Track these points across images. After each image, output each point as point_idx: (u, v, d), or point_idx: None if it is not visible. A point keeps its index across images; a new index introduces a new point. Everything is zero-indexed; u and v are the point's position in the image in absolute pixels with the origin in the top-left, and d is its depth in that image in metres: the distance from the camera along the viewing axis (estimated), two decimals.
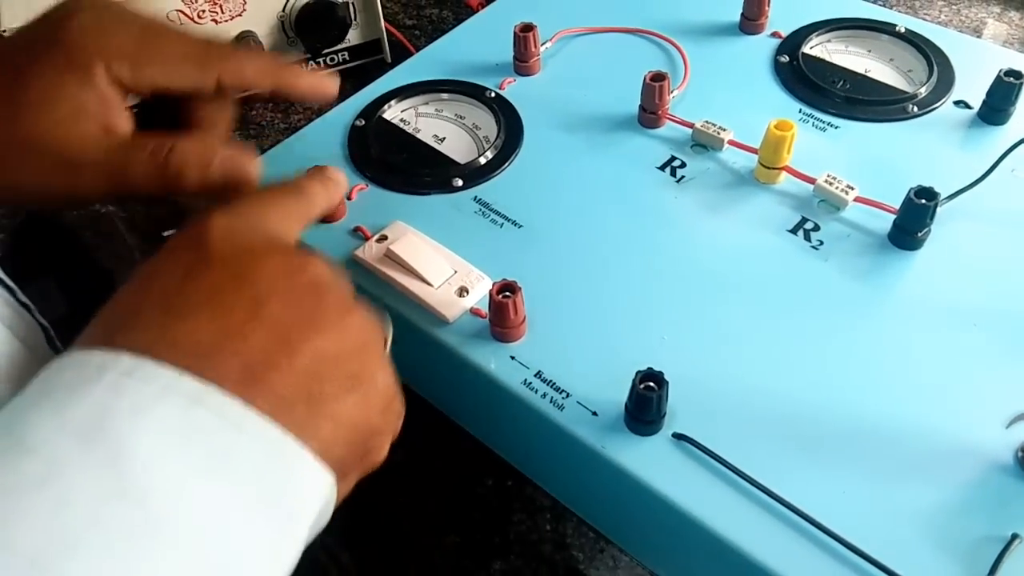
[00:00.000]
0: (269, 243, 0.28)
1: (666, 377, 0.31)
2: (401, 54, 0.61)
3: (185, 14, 0.52)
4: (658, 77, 0.44)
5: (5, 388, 0.28)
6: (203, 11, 0.53)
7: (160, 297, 0.26)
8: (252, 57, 0.37)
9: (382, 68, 0.61)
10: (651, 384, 0.31)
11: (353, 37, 0.59)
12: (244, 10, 0.54)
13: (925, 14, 0.63)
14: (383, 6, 0.63)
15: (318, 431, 0.25)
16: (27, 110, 0.33)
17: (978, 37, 0.62)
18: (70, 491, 0.21)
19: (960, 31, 0.62)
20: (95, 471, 0.21)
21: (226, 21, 0.54)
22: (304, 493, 0.25)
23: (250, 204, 0.30)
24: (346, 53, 0.60)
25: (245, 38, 0.55)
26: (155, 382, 0.23)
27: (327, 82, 0.39)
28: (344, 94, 0.59)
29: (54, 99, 0.33)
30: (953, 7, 0.64)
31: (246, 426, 0.24)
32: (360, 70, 0.61)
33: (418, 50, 0.62)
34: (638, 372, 0.31)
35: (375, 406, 0.27)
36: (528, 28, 0.48)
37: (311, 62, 0.59)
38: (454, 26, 0.66)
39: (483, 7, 0.64)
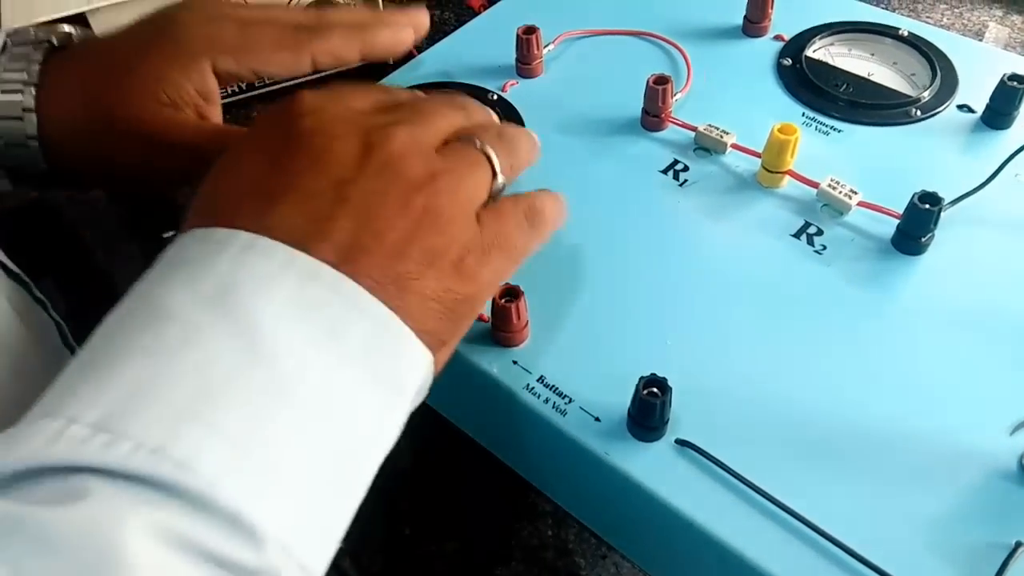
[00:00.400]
0: (350, 121, 0.29)
1: (669, 383, 0.31)
2: (402, 56, 0.61)
3: None
4: (661, 80, 0.44)
5: (17, 385, 0.28)
6: None
7: (251, 183, 0.28)
8: (336, 32, 0.39)
9: (384, 70, 0.61)
10: (654, 390, 0.31)
11: None
12: None
13: (928, 17, 0.63)
14: (384, 8, 0.63)
15: (409, 308, 0.27)
16: (135, 97, 0.36)
17: (980, 40, 0.61)
18: (209, 353, 0.23)
19: (963, 34, 0.61)
20: (228, 337, 0.24)
21: None
22: (407, 369, 0.27)
23: (334, 87, 0.31)
24: None
25: None
26: (274, 257, 0.25)
27: (405, 33, 0.41)
28: None
29: (161, 88, 0.36)
30: (955, 10, 0.64)
31: (358, 302, 0.25)
32: (361, 72, 0.61)
33: (419, 52, 0.62)
34: (641, 378, 0.31)
35: (456, 276, 0.28)
36: (531, 31, 0.48)
37: None
38: (455, 28, 0.66)
39: (485, 8, 0.64)
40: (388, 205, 0.27)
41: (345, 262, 0.26)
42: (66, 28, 0.41)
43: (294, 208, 0.26)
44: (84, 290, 0.51)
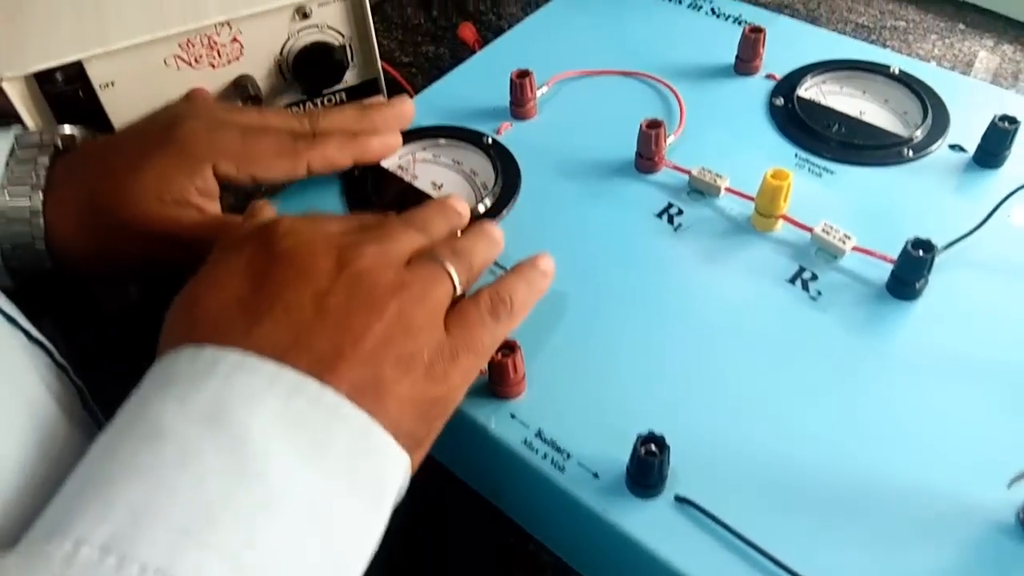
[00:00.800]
0: (326, 241, 0.31)
1: (667, 441, 0.31)
2: (398, 93, 0.62)
3: (182, 59, 0.52)
4: (654, 124, 0.44)
5: (46, 461, 0.28)
6: (200, 56, 0.53)
7: (235, 300, 0.29)
8: (331, 142, 0.44)
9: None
10: (652, 448, 0.31)
11: (350, 77, 0.59)
12: (241, 55, 0.54)
13: (919, 47, 0.64)
14: (379, 44, 0.63)
15: (387, 412, 0.28)
16: (140, 197, 0.39)
17: (971, 69, 0.62)
18: (204, 471, 0.24)
19: (953, 65, 0.62)
20: (221, 454, 0.25)
21: (224, 65, 0.54)
22: (389, 476, 0.28)
23: (308, 214, 0.34)
24: (343, 94, 0.60)
25: (243, 83, 0.55)
26: (261, 374, 0.27)
27: (394, 139, 0.46)
28: None
29: (165, 189, 0.40)
30: (946, 40, 0.64)
31: (340, 411, 0.27)
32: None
33: (415, 89, 0.62)
34: (639, 436, 0.31)
35: (428, 380, 0.30)
36: (524, 75, 0.48)
37: (308, 103, 0.59)
38: (451, 64, 0.66)
39: (480, 45, 0.64)
40: (363, 312, 0.29)
41: (326, 370, 0.27)
42: (69, 130, 0.44)
43: (278, 323, 0.28)
44: (85, 329, 0.51)
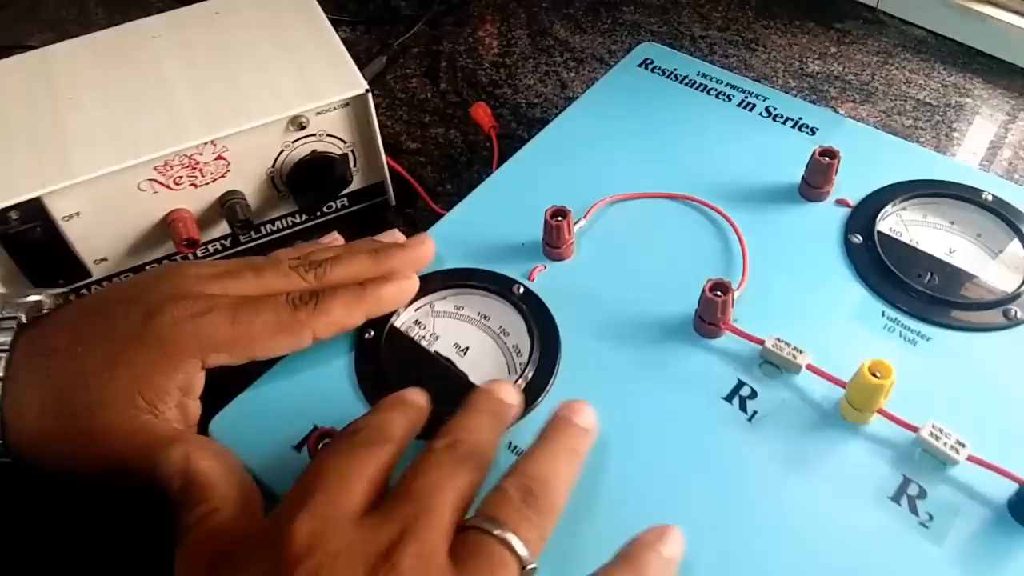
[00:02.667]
0: (353, 555, 0.26)
1: None
2: (406, 191, 0.55)
3: (159, 182, 0.45)
4: (720, 288, 0.38)
5: None
6: (180, 177, 0.46)
7: None
8: (337, 302, 0.37)
9: (384, 210, 0.54)
10: None
11: (354, 181, 0.52)
12: (228, 171, 0.47)
13: (983, 126, 0.57)
14: (382, 125, 0.56)
15: None
16: (111, 402, 0.33)
17: None
18: None
19: None
20: None
21: (207, 184, 0.47)
22: None
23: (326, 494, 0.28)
24: (345, 199, 0.53)
25: (229, 201, 0.48)
26: None
27: (411, 284, 0.40)
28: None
29: (140, 393, 0.33)
30: (1020, 118, 0.58)
31: None
32: (361, 215, 0.54)
33: (423, 186, 0.55)
34: None
35: None
36: (560, 214, 0.41)
37: (303, 216, 0.52)
38: (463, 149, 0.59)
39: (496, 130, 0.57)
40: None
41: None
42: (34, 297, 0.37)
43: None
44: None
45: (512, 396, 0.34)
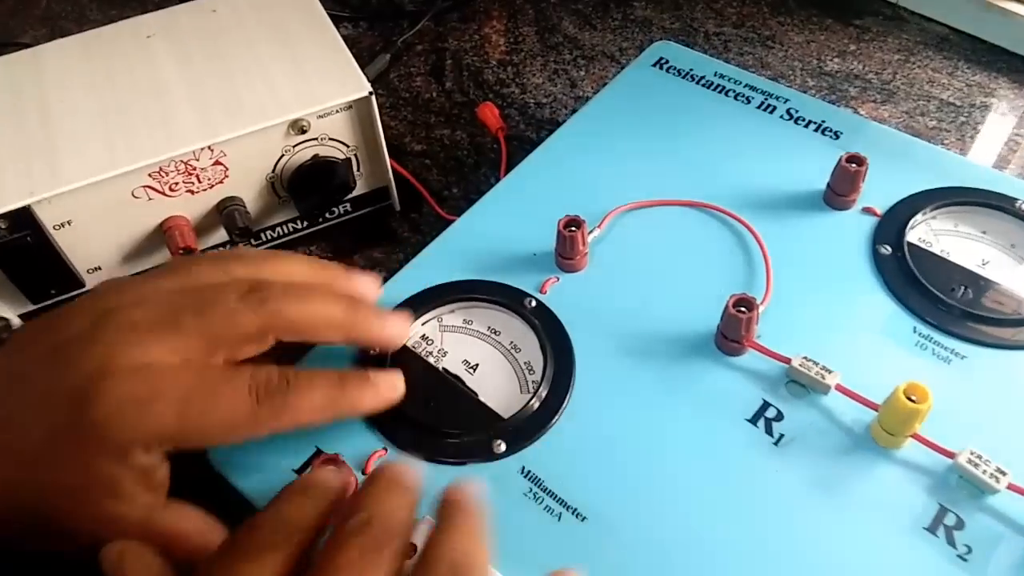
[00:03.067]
0: None
1: None
2: (411, 195, 0.53)
3: (154, 188, 0.43)
4: (744, 304, 0.36)
5: None
6: (176, 184, 0.44)
7: None
8: (307, 395, 0.31)
9: (388, 215, 0.52)
10: None
11: (357, 186, 0.50)
12: (226, 177, 0.45)
13: (1018, 133, 0.55)
14: (385, 126, 0.54)
15: None
16: (67, 492, 0.29)
17: None
18: None
19: None
20: None
21: (204, 190, 0.45)
22: None
23: None
24: (348, 204, 0.51)
25: (228, 207, 0.46)
26: None
27: (393, 392, 0.35)
28: (348, 258, 0.50)
29: (93, 483, 0.29)
30: None
31: None
32: (364, 219, 0.52)
33: (428, 189, 0.53)
34: None
35: None
36: (574, 224, 0.39)
37: (304, 222, 0.50)
38: (469, 151, 0.57)
39: (504, 132, 0.55)
40: None
41: None
42: None
43: None
44: None
45: (416, 477, 0.30)
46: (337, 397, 0.32)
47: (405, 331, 0.37)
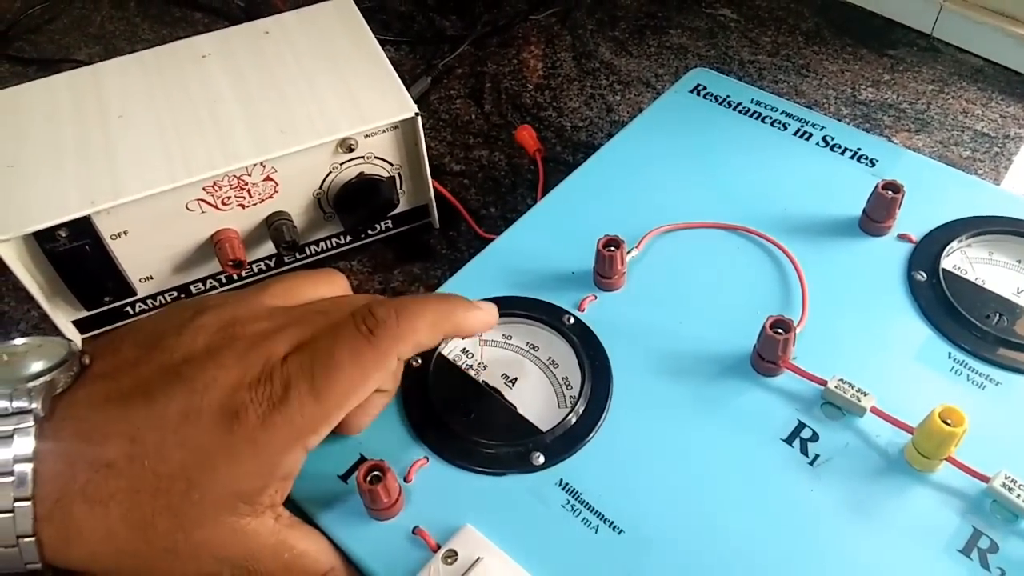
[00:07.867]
0: None
1: None
2: (449, 213, 0.54)
3: (207, 202, 0.45)
4: (781, 326, 0.36)
5: None
6: (228, 198, 0.46)
7: None
8: (426, 309, 0.33)
9: (426, 232, 0.54)
10: None
11: (400, 204, 0.51)
12: (276, 192, 0.47)
13: None
14: (428, 147, 0.55)
15: None
16: (202, 518, 0.29)
17: None
18: None
19: None
20: None
21: (255, 204, 0.47)
22: None
23: None
24: (389, 221, 0.53)
25: (276, 222, 0.47)
26: None
27: (491, 314, 0.37)
28: (388, 273, 0.52)
29: (239, 502, 0.30)
30: None
31: None
32: (404, 235, 0.54)
33: (467, 208, 0.55)
34: None
35: None
36: (613, 244, 0.41)
37: (347, 237, 0.52)
38: (506, 171, 0.58)
39: (541, 153, 0.57)
40: None
41: None
42: (39, 371, 0.29)
43: None
44: None
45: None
46: (448, 312, 0.34)
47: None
